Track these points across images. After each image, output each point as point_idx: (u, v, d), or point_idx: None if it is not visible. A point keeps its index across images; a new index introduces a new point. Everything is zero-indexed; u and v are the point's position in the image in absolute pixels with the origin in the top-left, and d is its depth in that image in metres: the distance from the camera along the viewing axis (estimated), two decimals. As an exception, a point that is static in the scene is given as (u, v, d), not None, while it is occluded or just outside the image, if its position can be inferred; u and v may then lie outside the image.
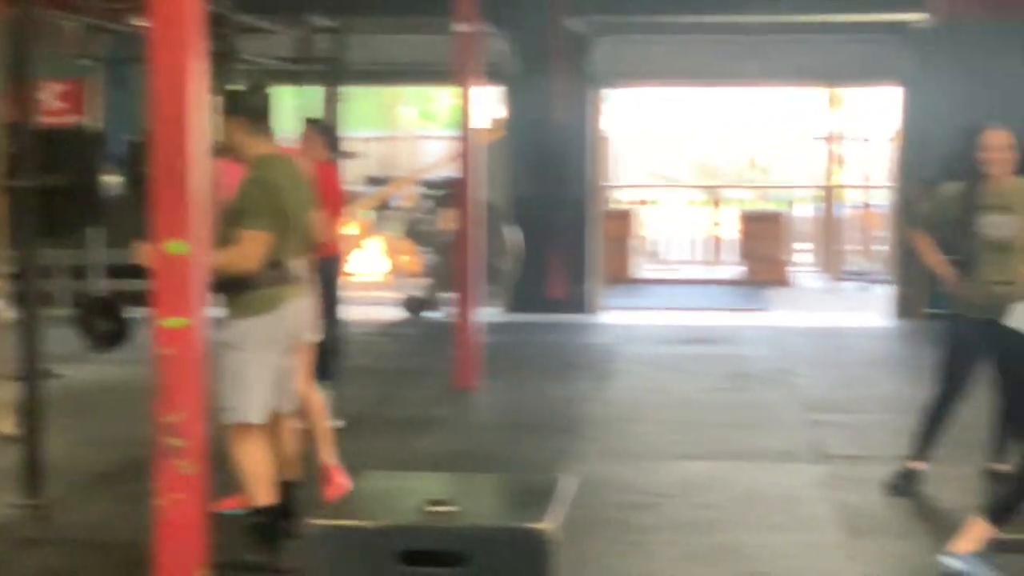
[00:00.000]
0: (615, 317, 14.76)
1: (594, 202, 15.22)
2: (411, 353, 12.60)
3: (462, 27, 10.30)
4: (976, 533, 5.68)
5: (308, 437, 6.83)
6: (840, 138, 19.79)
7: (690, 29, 14.79)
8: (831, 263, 18.50)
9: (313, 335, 6.25)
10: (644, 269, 19.59)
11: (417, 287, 14.81)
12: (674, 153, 22.34)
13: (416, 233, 14.92)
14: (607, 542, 6.33)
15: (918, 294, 14.13)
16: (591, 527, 6.45)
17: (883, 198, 18.36)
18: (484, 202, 11.14)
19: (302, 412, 6.59)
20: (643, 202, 21.53)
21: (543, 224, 14.63)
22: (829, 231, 18.98)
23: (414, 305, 14.48)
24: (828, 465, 7.90)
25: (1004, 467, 7.18)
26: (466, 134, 10.42)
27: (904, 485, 7.21)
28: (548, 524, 4.21)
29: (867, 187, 19.94)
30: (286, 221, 5.76)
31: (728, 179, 22.34)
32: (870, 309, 15.43)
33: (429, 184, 15.33)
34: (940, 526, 6.68)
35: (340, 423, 7.83)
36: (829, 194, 19.38)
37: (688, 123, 22.44)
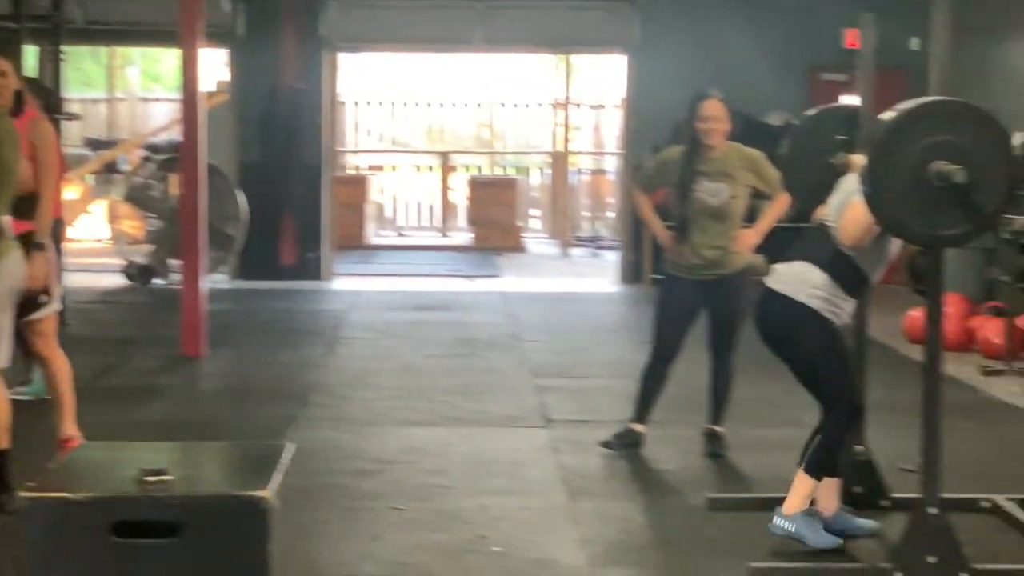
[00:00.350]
0: (347, 283, 14.72)
1: (327, 167, 15.11)
2: (136, 321, 12.32)
3: (185, -13, 10.07)
4: (801, 490, 5.76)
5: (51, 405, 6.74)
6: (572, 104, 20.09)
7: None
8: (562, 229, 18.79)
9: (55, 302, 6.14)
10: (378, 235, 19.59)
11: (141, 254, 14.47)
12: (409, 119, 22.33)
13: (139, 198, 14.56)
14: (331, 509, 6.29)
15: (645, 259, 14.51)
16: (315, 494, 6.41)
17: (614, 164, 18.72)
18: (209, 167, 10.92)
19: (48, 380, 6.57)
20: (378, 168, 21.51)
21: (274, 190, 14.49)
22: (560, 197, 19.26)
23: (137, 272, 14.15)
24: (552, 429, 8.00)
25: (720, 428, 7.41)
26: (190, 97, 10.19)
27: (624, 447, 7.37)
28: (266, 492, 4.15)
29: (598, 153, 20.30)
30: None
31: (462, 145, 22.44)
32: (600, 275, 15.76)
33: (153, 148, 14.98)
34: (660, 487, 6.90)
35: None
36: (561, 160, 19.65)
37: (422, 89, 22.45)
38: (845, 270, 5.63)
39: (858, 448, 6.26)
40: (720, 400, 7.43)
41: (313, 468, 6.87)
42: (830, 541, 5.73)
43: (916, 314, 11.17)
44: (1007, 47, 13.03)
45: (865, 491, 6.26)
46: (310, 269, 14.85)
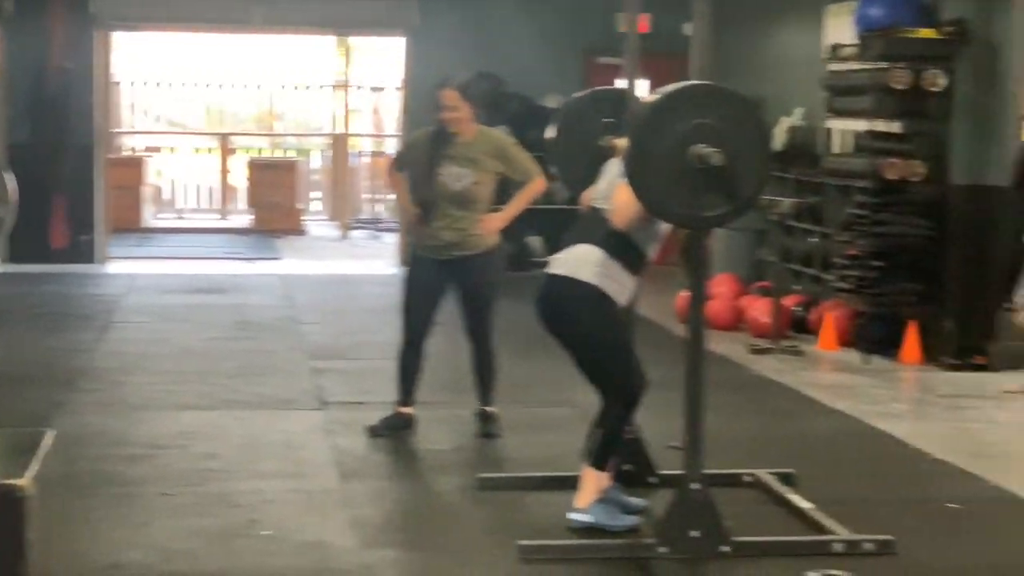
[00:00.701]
0: (123, 267, 14.43)
1: (100, 148, 14.76)
2: None
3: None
4: (591, 483, 5.82)
5: None
6: (352, 87, 20.01)
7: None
8: (343, 212, 18.72)
9: None
10: (156, 218, 19.26)
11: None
12: (188, 100, 22.00)
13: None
14: (97, 496, 6.18)
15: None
16: (81, 481, 6.31)
17: (394, 147, 18.71)
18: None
19: None
20: (155, 149, 21.12)
21: (44, 171, 14.08)
22: (341, 180, 19.17)
23: None
24: (327, 411, 7.98)
25: (491, 409, 7.48)
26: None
27: (393, 431, 7.39)
28: (23, 480, 4.07)
29: (379, 136, 20.27)
30: None
31: (242, 127, 22.20)
32: (379, 257, 15.76)
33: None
34: (432, 468, 6.94)
35: None
36: (341, 143, 19.56)
37: (203, 70, 22.14)
38: (622, 248, 5.71)
39: (627, 427, 6.39)
40: (485, 381, 7.48)
41: (80, 455, 6.75)
42: (629, 522, 5.84)
43: (687, 294, 11.46)
44: (774, 35, 13.42)
45: (634, 469, 6.38)
46: (83, 252, 14.51)
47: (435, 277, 7.32)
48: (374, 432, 7.36)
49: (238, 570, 5.32)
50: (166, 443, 7.17)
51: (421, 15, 14.77)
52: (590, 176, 6.06)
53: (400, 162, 7.63)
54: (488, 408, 7.48)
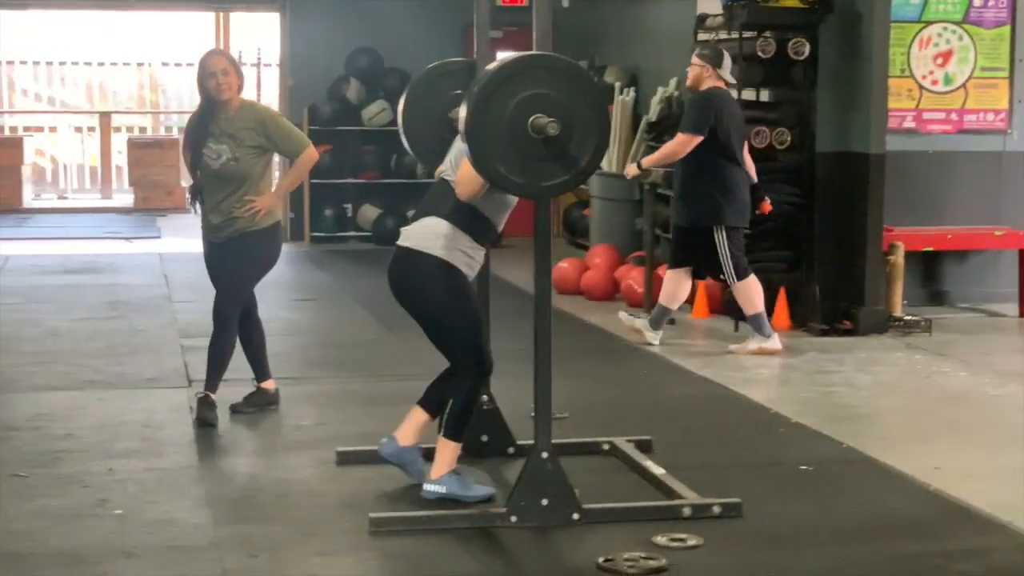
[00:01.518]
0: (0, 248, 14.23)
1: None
2: None
3: None
4: (445, 454, 5.81)
5: None
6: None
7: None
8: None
9: None
10: (37, 198, 19.01)
11: None
12: (68, 78, 21.69)
13: None
14: (-56, 481, 6.08)
15: (305, 217, 14.57)
16: (-74, 465, 6.21)
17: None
18: None
19: None
20: (37, 129, 20.82)
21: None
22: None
23: None
24: (193, 389, 7.88)
25: (269, 385, 7.46)
26: None
27: (257, 407, 7.36)
28: None
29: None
30: None
31: (124, 106, 21.93)
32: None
33: None
34: (293, 444, 6.88)
35: None
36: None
37: (83, 48, 21.86)
38: (470, 219, 5.70)
39: (483, 398, 6.38)
40: (216, 363, 7.29)
41: (-70, 438, 6.66)
42: (484, 492, 5.84)
43: (564, 265, 11.53)
44: (650, 6, 13.51)
45: (491, 440, 6.41)
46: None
47: (215, 260, 7.24)
48: (235, 410, 7.31)
49: (86, 548, 5.25)
50: (21, 425, 7.09)
51: (296, -10, 14.73)
52: (442, 149, 6.04)
53: (184, 141, 7.42)
54: (266, 385, 7.45)
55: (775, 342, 9.00)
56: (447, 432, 5.83)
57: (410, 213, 7.31)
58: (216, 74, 6.96)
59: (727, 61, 8.87)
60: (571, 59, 5.51)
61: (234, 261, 7.18)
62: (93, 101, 21.72)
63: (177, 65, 21.29)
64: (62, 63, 21.53)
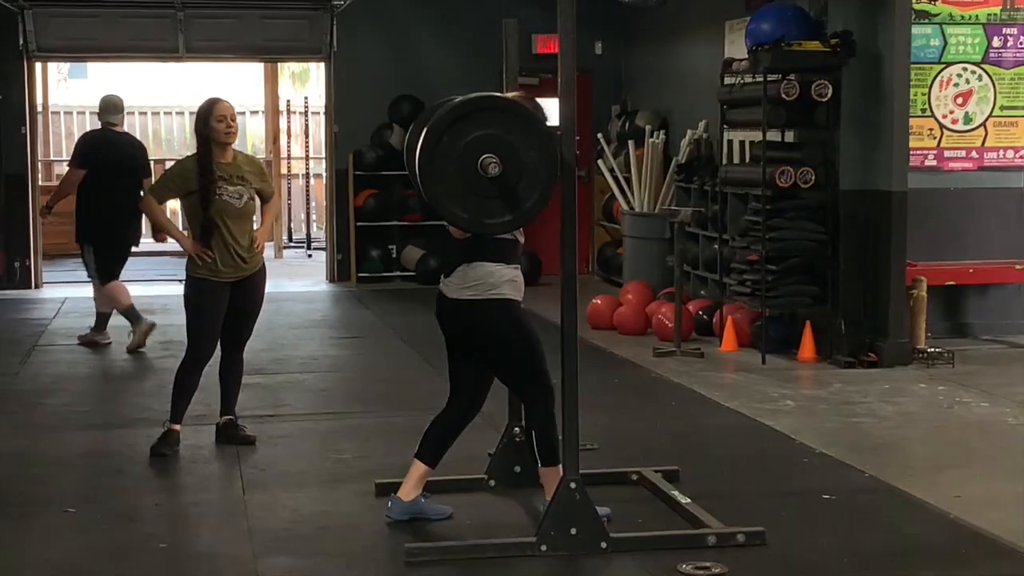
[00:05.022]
0: (59, 291, 14.67)
1: (36, 177, 15.06)
2: None
3: None
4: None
5: None
6: (284, 111, 20.25)
7: (119, 3, 14.87)
8: (276, 232, 18.93)
9: None
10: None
11: None
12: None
13: None
14: (-1, 516, 6.31)
15: (351, 258, 14.94)
16: (-16, 503, 6.46)
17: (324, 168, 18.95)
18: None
19: None
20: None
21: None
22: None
23: None
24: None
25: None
26: None
27: (170, 446, 7.55)
28: None
29: (311, 158, 20.48)
30: None
31: (178, 153, 22.37)
32: (311, 275, 16.04)
33: None
34: (335, 476, 7.04)
35: None
36: (274, 166, 19.77)
37: (135, 97, 22.39)
38: (498, 248, 5.92)
39: (516, 429, 6.62)
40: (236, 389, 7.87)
41: (-15, 477, 6.96)
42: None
43: (597, 301, 11.80)
44: (680, 51, 13.78)
45: (524, 471, 6.58)
46: (19, 278, 14.79)
47: (240, 295, 7.62)
48: (154, 452, 7.49)
49: None
50: (73, 461, 7.36)
51: (340, 40, 15.09)
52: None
53: (164, 191, 7.77)
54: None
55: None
56: (547, 461, 6.00)
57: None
58: (226, 118, 7.36)
59: None
60: (523, 103, 5.73)
61: (259, 294, 7.69)
62: (148, 149, 22.19)
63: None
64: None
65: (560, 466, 5.86)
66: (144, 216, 9.38)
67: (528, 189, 5.58)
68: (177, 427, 7.62)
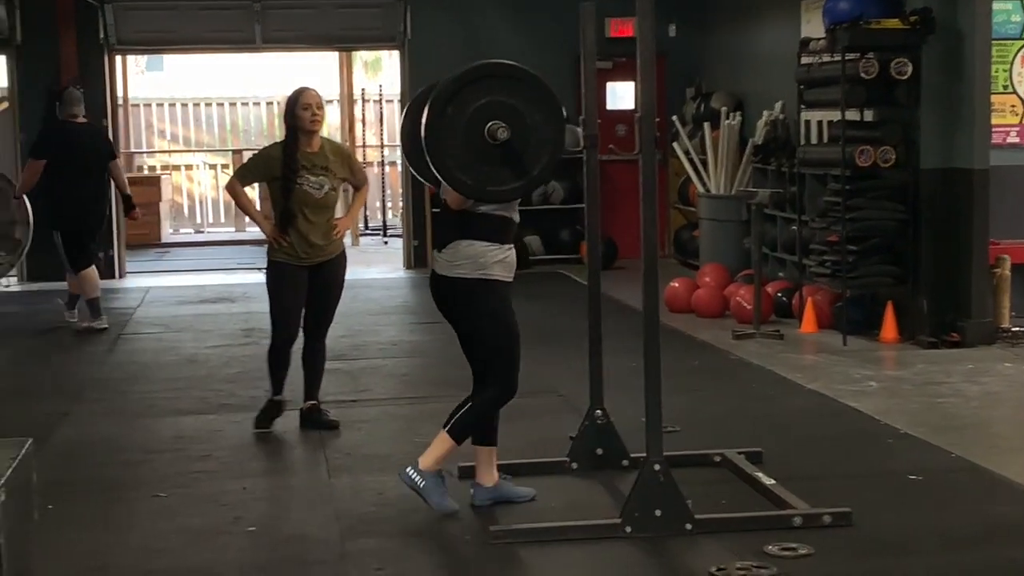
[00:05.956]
0: (140, 281, 14.88)
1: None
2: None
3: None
4: (441, 451, 6.06)
5: None
6: (359, 99, 20.36)
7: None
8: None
9: None
10: (176, 232, 19.74)
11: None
12: (202, 118, 22.44)
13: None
14: (91, 501, 6.42)
15: (428, 245, 14.96)
16: (77, 487, 6.60)
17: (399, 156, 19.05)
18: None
19: None
20: (174, 167, 21.57)
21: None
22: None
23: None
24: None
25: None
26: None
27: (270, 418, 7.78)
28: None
29: (387, 146, 20.58)
30: None
31: (255, 143, 22.61)
32: (388, 262, 16.14)
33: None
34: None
35: None
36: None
37: (213, 88, 22.64)
38: (490, 226, 5.88)
39: (598, 412, 6.65)
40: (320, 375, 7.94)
41: (79, 462, 7.08)
42: (449, 506, 6.08)
43: (675, 284, 11.78)
44: (756, 32, 13.72)
45: (606, 453, 6.65)
46: (103, 268, 14.92)
47: (317, 281, 7.68)
48: (257, 424, 7.75)
49: (220, 564, 5.53)
50: (162, 447, 7.47)
51: (412, 28, 15.15)
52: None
53: (248, 175, 7.83)
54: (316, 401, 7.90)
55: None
56: (453, 431, 6.04)
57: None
58: (312, 107, 7.43)
59: None
60: (532, 71, 5.71)
61: (339, 279, 7.76)
62: (226, 139, 22.44)
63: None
64: (196, 104, 22.32)
65: (454, 443, 5.99)
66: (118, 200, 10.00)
67: (534, 155, 5.56)
68: (279, 398, 7.79)
